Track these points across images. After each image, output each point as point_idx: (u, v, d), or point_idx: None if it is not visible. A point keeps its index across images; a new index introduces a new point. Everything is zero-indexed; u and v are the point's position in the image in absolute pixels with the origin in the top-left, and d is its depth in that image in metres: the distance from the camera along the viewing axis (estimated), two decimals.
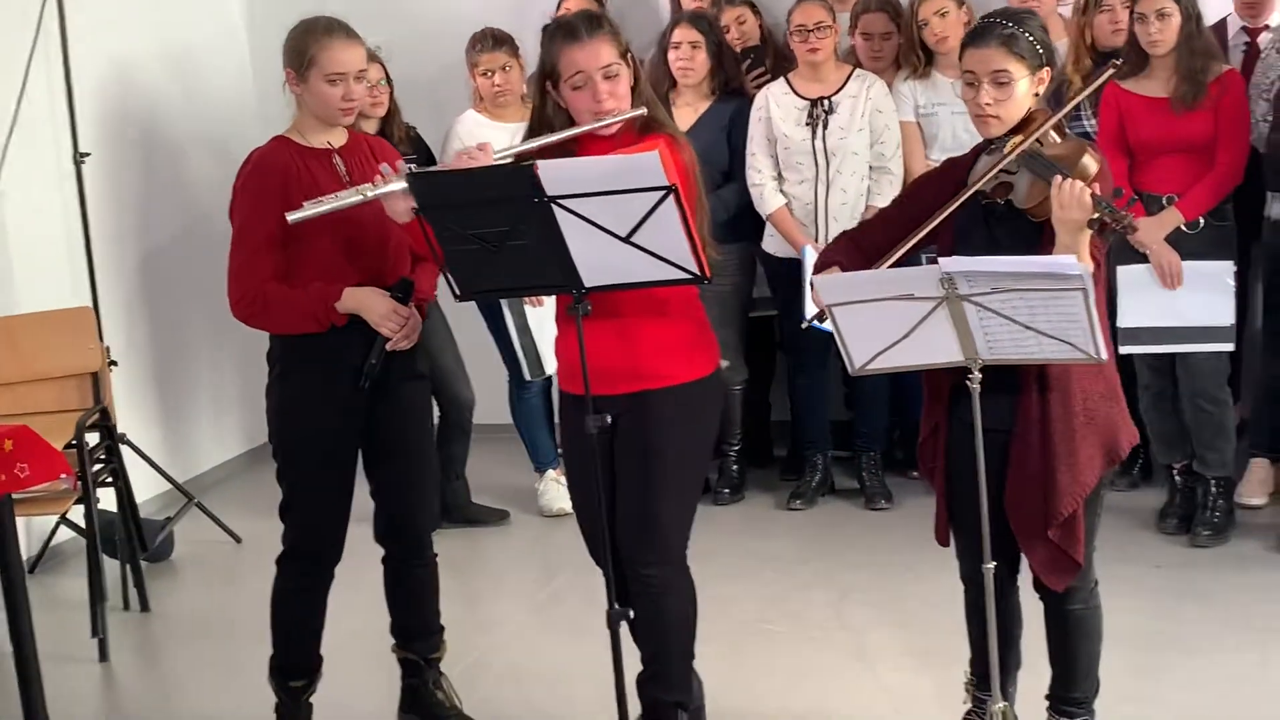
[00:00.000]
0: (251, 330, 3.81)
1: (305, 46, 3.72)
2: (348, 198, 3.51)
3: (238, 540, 5.73)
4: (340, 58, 3.69)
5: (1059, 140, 3.24)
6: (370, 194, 3.46)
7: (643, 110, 3.43)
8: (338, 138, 3.82)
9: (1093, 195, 3.04)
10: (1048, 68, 3.26)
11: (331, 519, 3.84)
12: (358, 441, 3.87)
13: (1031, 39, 3.21)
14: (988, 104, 3.22)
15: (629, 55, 3.45)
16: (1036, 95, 3.26)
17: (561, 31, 3.42)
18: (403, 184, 3.40)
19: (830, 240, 3.60)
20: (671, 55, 5.55)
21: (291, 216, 3.51)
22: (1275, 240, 4.96)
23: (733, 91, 5.65)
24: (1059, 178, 3.07)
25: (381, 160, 3.72)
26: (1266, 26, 5.24)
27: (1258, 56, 5.17)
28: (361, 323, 3.69)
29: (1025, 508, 3.25)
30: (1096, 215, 3.03)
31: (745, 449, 5.90)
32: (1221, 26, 5.35)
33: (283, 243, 3.67)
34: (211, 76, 6.79)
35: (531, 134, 3.51)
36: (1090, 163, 3.16)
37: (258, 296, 3.69)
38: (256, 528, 5.65)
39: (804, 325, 3.58)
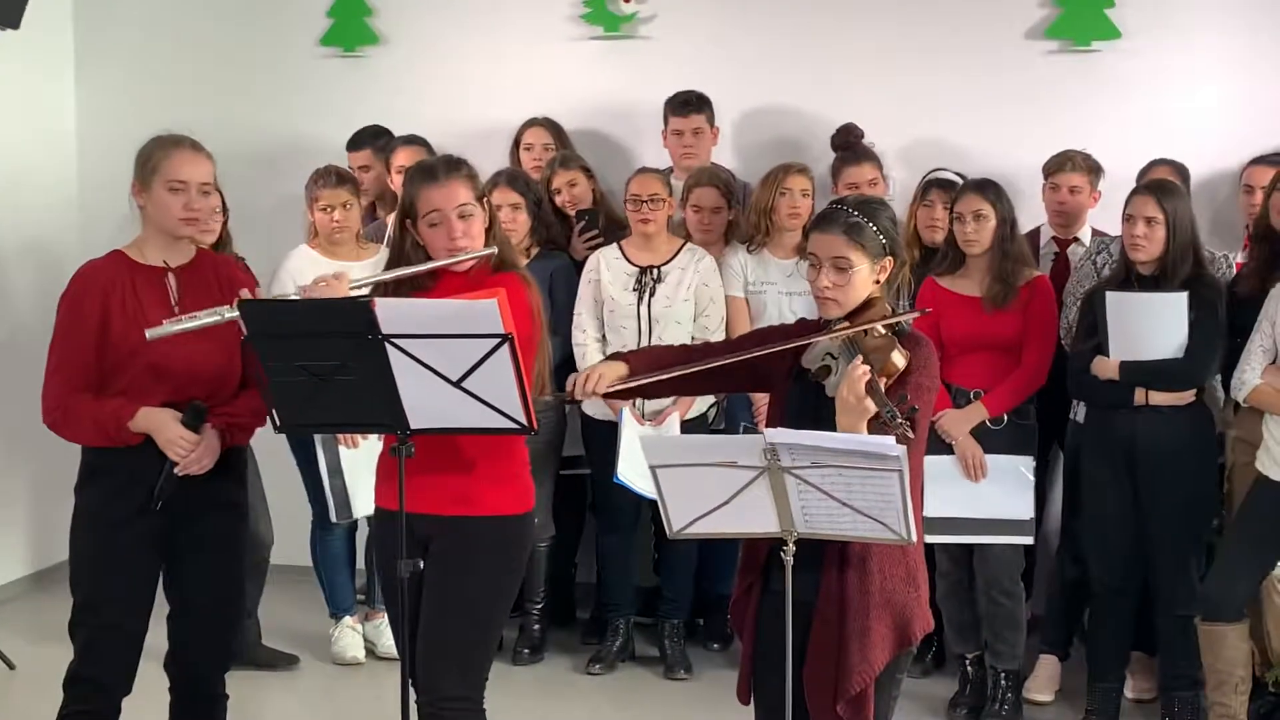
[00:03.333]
0: (44, 449, 3.77)
1: (149, 156, 3.76)
2: (205, 318, 3.51)
3: (11, 666, 5.47)
4: (184, 168, 3.73)
5: (882, 333, 3.28)
6: (227, 315, 3.47)
7: (494, 250, 3.55)
8: (178, 256, 3.80)
9: (870, 386, 3.11)
10: (891, 257, 3.34)
11: (120, 642, 3.74)
12: (156, 563, 3.78)
13: (876, 229, 3.30)
14: (826, 287, 3.30)
15: (484, 199, 3.60)
16: (878, 283, 3.34)
17: (421, 172, 3.58)
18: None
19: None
20: None
21: (150, 333, 3.51)
22: (1077, 442, 5.16)
23: (553, 248, 5.74)
24: (858, 359, 3.16)
25: (228, 281, 3.77)
26: (1075, 238, 5.51)
27: (1065, 265, 5.43)
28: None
29: (819, 681, 3.27)
30: (874, 408, 3.10)
31: (548, 608, 5.85)
32: (1034, 235, 5.61)
33: (98, 356, 3.67)
34: (36, 186, 6.66)
35: (389, 268, 3.60)
36: (898, 359, 3.22)
37: (61, 406, 3.69)
38: (34, 655, 5.41)
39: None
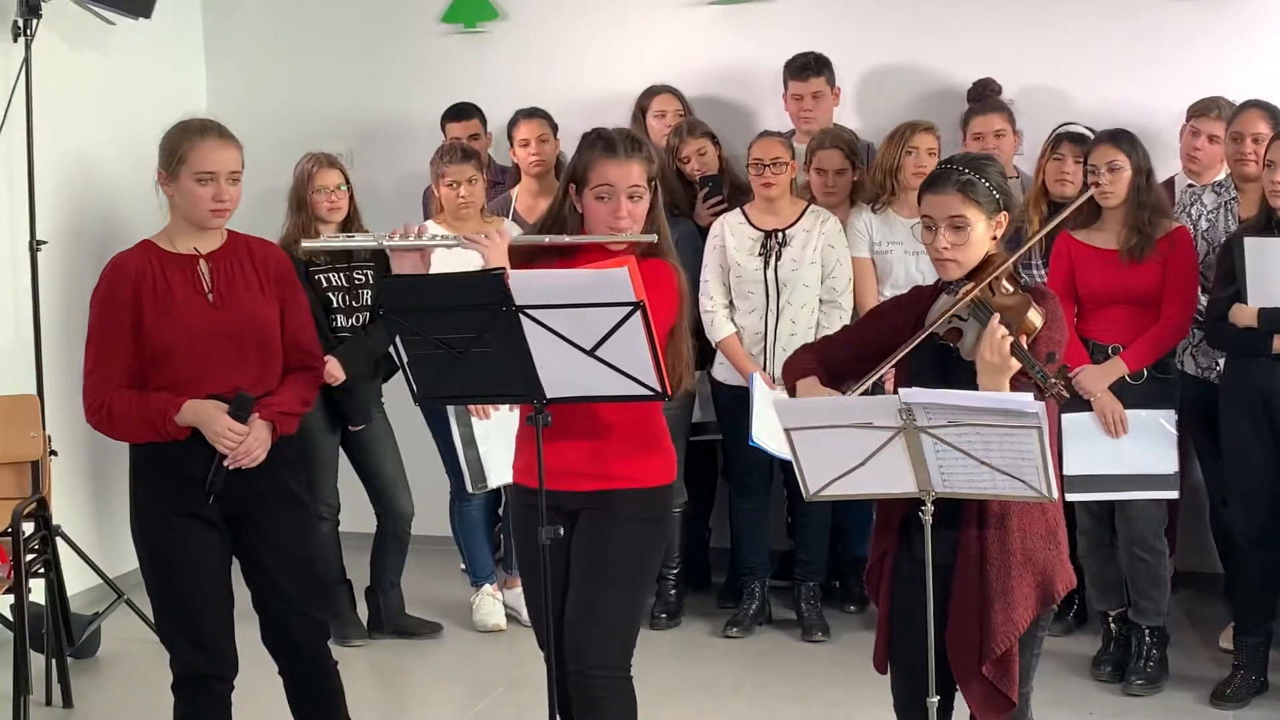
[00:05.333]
0: None
1: (176, 145, 3.68)
2: (361, 240, 3.64)
3: None
4: (211, 157, 3.66)
5: (1010, 290, 3.28)
6: (385, 243, 3.49)
7: (654, 237, 3.52)
8: (208, 243, 3.76)
9: (1016, 348, 3.10)
10: (1005, 212, 3.32)
11: (214, 633, 3.72)
12: (225, 552, 3.77)
13: (989, 185, 3.28)
14: (944, 248, 3.29)
15: (654, 183, 3.56)
16: (995, 239, 3.32)
17: (602, 143, 3.54)
18: (415, 243, 3.47)
19: (788, 356, 3.63)
20: None
21: (305, 244, 3.71)
22: (1194, 394, 5.12)
23: (676, 214, 5.73)
24: (995, 319, 3.14)
25: (262, 263, 3.77)
26: (1214, 186, 5.38)
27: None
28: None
29: (963, 643, 3.27)
30: (1021, 367, 3.09)
31: (684, 574, 5.88)
32: (1169, 185, 5.50)
33: (136, 349, 3.64)
34: None
35: (544, 227, 3.60)
36: (1035, 318, 3.21)
37: (104, 404, 3.64)
38: None
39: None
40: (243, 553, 3.80)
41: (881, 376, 3.51)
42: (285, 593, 3.81)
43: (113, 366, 3.64)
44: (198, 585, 3.70)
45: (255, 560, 3.80)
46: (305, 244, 3.65)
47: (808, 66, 5.98)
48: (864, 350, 3.39)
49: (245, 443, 3.65)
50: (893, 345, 3.33)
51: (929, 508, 3.14)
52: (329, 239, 3.60)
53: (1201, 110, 5.40)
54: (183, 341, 3.64)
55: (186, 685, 3.76)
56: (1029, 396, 2.98)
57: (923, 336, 3.27)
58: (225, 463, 3.65)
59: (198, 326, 3.64)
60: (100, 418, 3.66)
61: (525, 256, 3.52)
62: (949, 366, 3.29)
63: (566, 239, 3.53)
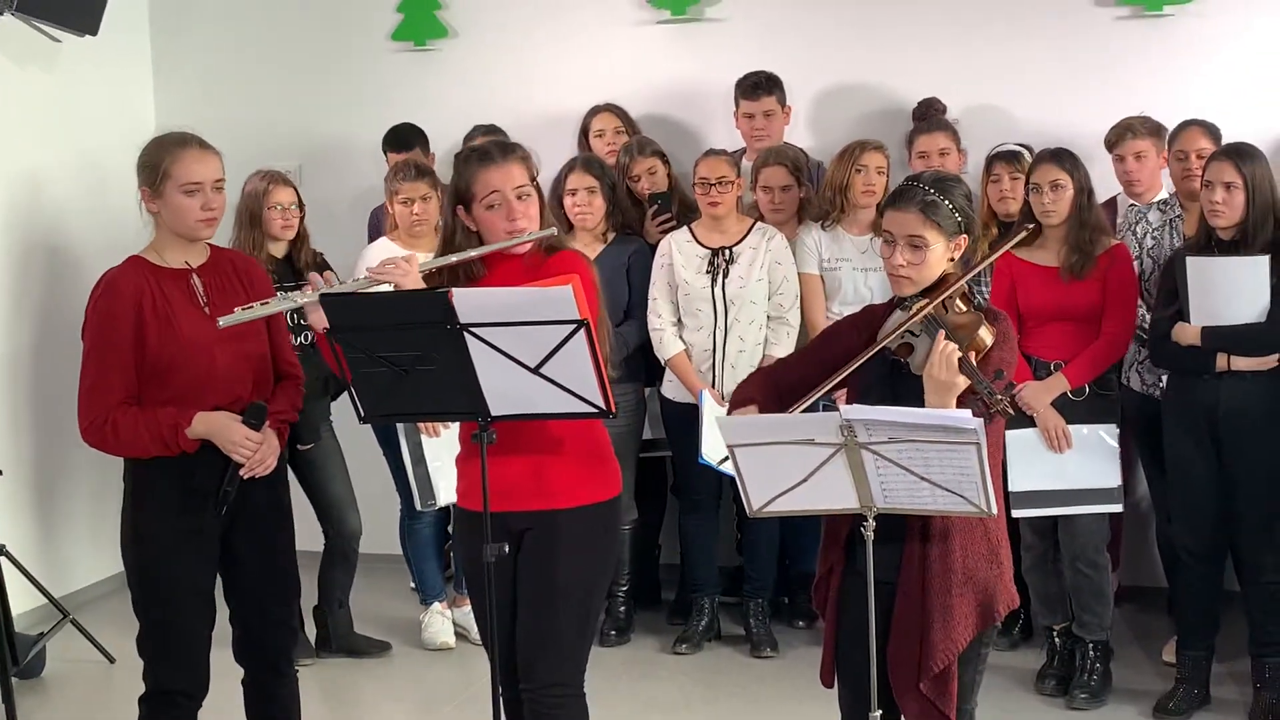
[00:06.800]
0: None
1: (158, 160, 3.70)
2: (277, 304, 3.54)
3: (111, 660, 5.60)
4: (195, 168, 3.69)
5: (964, 309, 3.31)
6: (300, 301, 3.48)
7: (553, 230, 3.56)
8: (196, 256, 3.78)
9: (964, 362, 3.13)
10: (965, 235, 3.34)
11: (195, 652, 3.76)
12: (215, 570, 3.80)
13: (951, 207, 3.30)
14: (901, 265, 3.31)
15: (535, 181, 3.59)
16: (952, 260, 3.35)
17: (477, 155, 3.56)
18: (335, 290, 3.46)
19: (739, 382, 3.65)
20: (568, 201, 5.62)
21: (222, 321, 3.51)
22: (1139, 410, 5.18)
23: (629, 232, 5.76)
24: (941, 335, 3.17)
25: (246, 276, 3.80)
26: (1154, 204, 5.44)
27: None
28: (214, 445, 3.65)
29: (902, 659, 3.29)
30: (969, 383, 3.12)
31: (633, 590, 5.90)
32: (1112, 204, 5.56)
33: (136, 364, 3.63)
34: (120, 185, 6.74)
35: (441, 255, 3.59)
36: (986, 335, 3.24)
37: (107, 421, 3.63)
38: (130, 648, 5.50)
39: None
40: (231, 562, 3.82)
41: (832, 395, 3.54)
42: (265, 600, 3.87)
43: (114, 383, 3.63)
44: (189, 605, 3.73)
45: (243, 568, 3.82)
46: (221, 321, 3.50)
47: (759, 85, 6.01)
48: (818, 369, 3.40)
49: (259, 451, 3.69)
50: (847, 364, 3.36)
51: (871, 523, 3.16)
52: (245, 310, 3.57)
53: (1117, 137, 5.40)
54: (185, 354, 3.65)
55: (156, 700, 3.78)
56: (968, 413, 3.01)
57: (874, 351, 3.30)
58: (241, 472, 3.67)
59: (198, 339, 3.66)
60: (104, 434, 3.64)
61: (450, 283, 3.51)
62: (898, 381, 3.32)
63: (474, 253, 3.53)
